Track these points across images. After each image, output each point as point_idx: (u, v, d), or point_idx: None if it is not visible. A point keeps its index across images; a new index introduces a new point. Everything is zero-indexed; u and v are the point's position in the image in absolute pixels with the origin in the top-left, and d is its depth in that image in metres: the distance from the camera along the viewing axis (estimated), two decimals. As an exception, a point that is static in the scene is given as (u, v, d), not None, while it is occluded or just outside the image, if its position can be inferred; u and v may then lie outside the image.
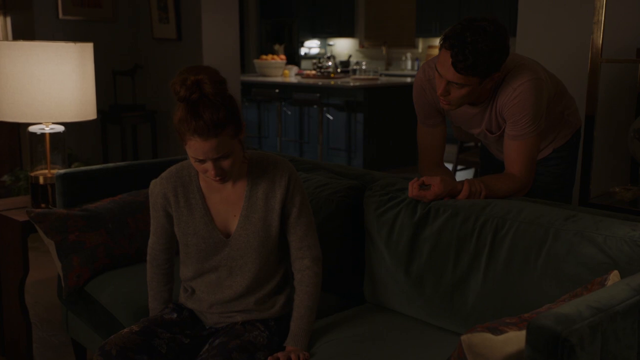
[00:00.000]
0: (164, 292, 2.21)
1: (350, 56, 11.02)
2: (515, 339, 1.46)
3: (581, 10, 3.35)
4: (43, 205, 3.07)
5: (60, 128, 3.12)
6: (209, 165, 1.89)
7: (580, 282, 1.84)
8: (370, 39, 11.28)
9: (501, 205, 2.15)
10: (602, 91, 2.91)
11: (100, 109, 5.79)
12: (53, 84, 2.95)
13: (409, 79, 8.38)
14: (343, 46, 11.63)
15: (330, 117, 7.57)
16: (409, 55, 10.62)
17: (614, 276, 1.71)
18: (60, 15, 5.60)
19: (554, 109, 2.48)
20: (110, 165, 3.04)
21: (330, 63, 8.54)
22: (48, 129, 3.09)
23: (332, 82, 7.66)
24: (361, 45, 11.38)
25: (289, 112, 7.98)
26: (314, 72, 8.46)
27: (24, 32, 5.52)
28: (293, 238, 2.09)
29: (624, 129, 3.14)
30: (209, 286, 2.10)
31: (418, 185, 2.29)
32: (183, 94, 1.81)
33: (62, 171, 2.85)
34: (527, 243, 2.00)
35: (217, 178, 1.92)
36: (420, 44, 10.58)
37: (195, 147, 1.84)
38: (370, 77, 8.33)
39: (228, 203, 2.06)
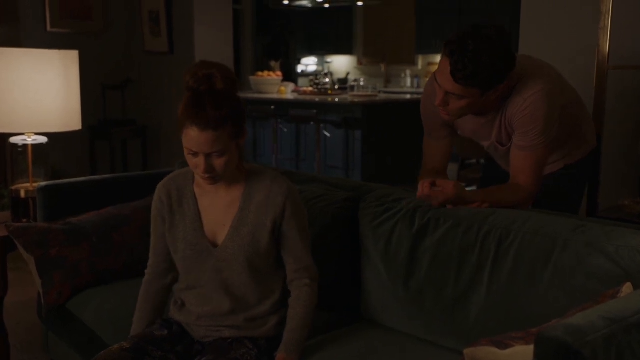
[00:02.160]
0: (153, 315, 2.14)
1: (348, 73, 11.02)
2: (522, 353, 1.39)
3: (586, 15, 3.30)
4: (24, 220, 3.00)
5: (43, 139, 3.07)
6: (200, 160, 1.85)
7: (590, 295, 1.77)
8: (368, 56, 11.28)
9: (505, 215, 2.09)
10: (609, 99, 2.84)
11: (88, 124, 5.77)
12: (36, 92, 2.90)
13: (408, 96, 8.32)
14: (341, 63, 11.63)
15: (328, 134, 7.52)
16: (408, 72, 10.61)
17: (626, 288, 1.65)
18: (49, 28, 5.59)
19: (571, 112, 2.39)
20: (96, 177, 2.99)
21: (327, 79, 8.51)
22: (30, 140, 3.03)
23: (330, 99, 7.62)
24: (359, 62, 11.38)
25: (285, 130, 7.93)
26: (311, 88, 8.43)
27: (11, 44, 5.47)
28: (291, 260, 2.04)
29: (633, 137, 3.08)
30: (198, 298, 2.05)
31: (429, 183, 2.20)
32: (192, 84, 1.82)
33: (43, 183, 2.79)
34: (533, 254, 1.94)
35: (207, 175, 1.88)
36: (420, 61, 10.57)
37: (191, 137, 1.82)
38: (369, 93, 8.29)
39: (220, 212, 2.01)
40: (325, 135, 7.54)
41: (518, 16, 3.74)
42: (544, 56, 3.52)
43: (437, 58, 2.18)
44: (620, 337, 1.32)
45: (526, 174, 2.26)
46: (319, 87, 8.37)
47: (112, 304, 2.49)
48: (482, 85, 2.09)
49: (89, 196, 2.90)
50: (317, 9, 11.43)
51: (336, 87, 9.04)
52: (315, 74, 10.67)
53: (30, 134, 3.02)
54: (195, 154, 1.85)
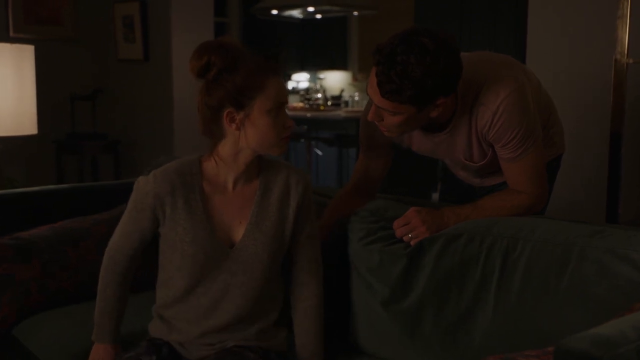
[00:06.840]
0: (117, 304, 2.02)
1: (342, 90, 10.97)
2: (536, 373, 1.26)
3: (602, 2, 3.22)
4: (-30, 235, 2.87)
5: (-7, 144, 2.96)
6: (284, 113, 1.89)
7: (614, 309, 1.67)
8: (364, 72, 11.23)
9: (511, 223, 2.02)
10: (629, 96, 2.73)
11: (55, 138, 5.75)
12: (-17, 91, 2.79)
13: (406, 112, 8.24)
14: (335, 79, 11.59)
15: (320, 152, 7.52)
16: (406, 88, 10.57)
17: (658, 300, 1.52)
18: (12, 33, 5.55)
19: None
20: (50, 187, 2.90)
21: (319, 95, 8.50)
22: (-22, 145, 2.91)
23: (322, 115, 7.60)
24: (354, 78, 11.34)
25: (273, 148, 7.90)
26: (301, 104, 8.41)
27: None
28: (300, 258, 2.02)
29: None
30: (200, 310, 1.94)
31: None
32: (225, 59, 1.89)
33: (-11, 193, 2.67)
34: (546, 265, 1.87)
35: (290, 131, 1.91)
36: (419, 75, 10.54)
37: (278, 88, 1.87)
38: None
39: (234, 208, 1.94)
40: (317, 154, 7.52)
41: (525, 13, 3.68)
42: (554, 51, 3.49)
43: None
44: (657, 350, 1.21)
45: (525, 184, 2.13)
46: (311, 102, 8.35)
47: (65, 330, 2.39)
48: (412, 102, 1.95)
49: (43, 209, 2.80)
50: (309, 20, 11.41)
51: (329, 103, 9.02)
52: (307, 89, 10.66)
53: (-23, 139, 2.91)
54: (280, 108, 1.87)
